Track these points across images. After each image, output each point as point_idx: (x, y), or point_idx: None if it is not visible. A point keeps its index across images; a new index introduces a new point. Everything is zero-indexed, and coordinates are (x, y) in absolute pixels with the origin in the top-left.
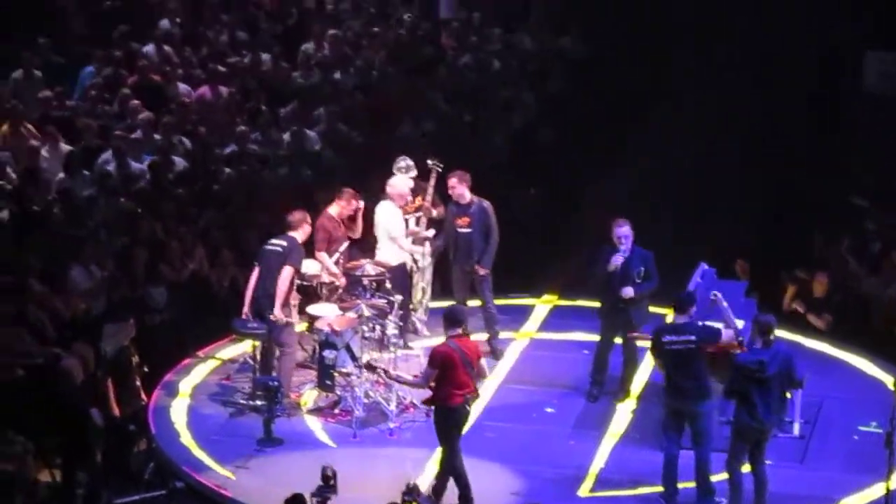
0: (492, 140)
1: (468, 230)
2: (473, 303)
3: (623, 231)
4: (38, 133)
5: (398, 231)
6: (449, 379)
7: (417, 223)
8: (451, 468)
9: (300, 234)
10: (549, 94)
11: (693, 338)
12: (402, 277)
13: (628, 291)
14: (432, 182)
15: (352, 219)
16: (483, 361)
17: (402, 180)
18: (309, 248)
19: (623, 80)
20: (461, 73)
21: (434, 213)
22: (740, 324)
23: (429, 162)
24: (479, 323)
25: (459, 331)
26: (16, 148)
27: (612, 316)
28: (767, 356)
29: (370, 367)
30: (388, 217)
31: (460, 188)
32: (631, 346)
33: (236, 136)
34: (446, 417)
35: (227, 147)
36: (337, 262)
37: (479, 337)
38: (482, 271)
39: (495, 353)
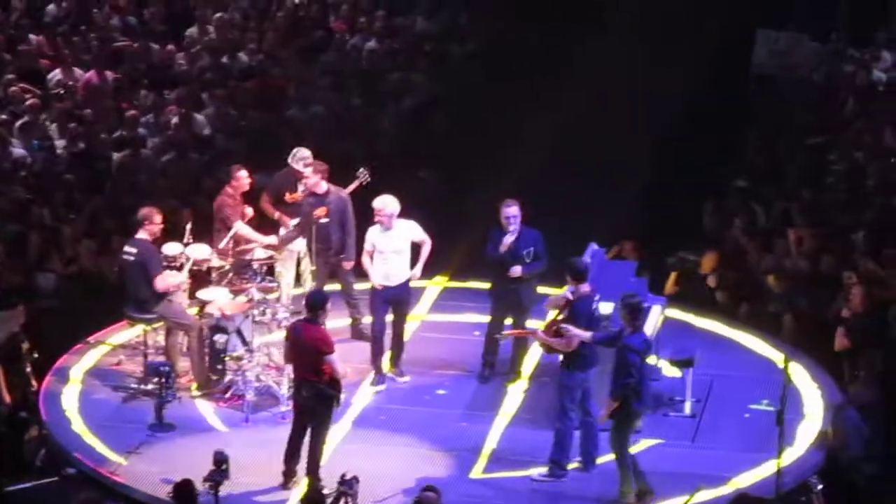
0: (381, 123)
1: (326, 220)
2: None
3: (511, 211)
4: None
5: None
6: None
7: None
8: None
9: (147, 233)
10: (441, 75)
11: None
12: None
13: (516, 270)
14: (352, 187)
15: (246, 195)
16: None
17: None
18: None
19: (515, 59)
20: (350, 55)
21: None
22: None
23: (360, 170)
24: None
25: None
26: None
27: (502, 296)
28: (646, 336)
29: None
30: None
31: (315, 178)
32: (521, 327)
33: (125, 121)
34: None
35: (116, 132)
36: (227, 246)
37: (344, 322)
38: (349, 265)
39: (363, 337)
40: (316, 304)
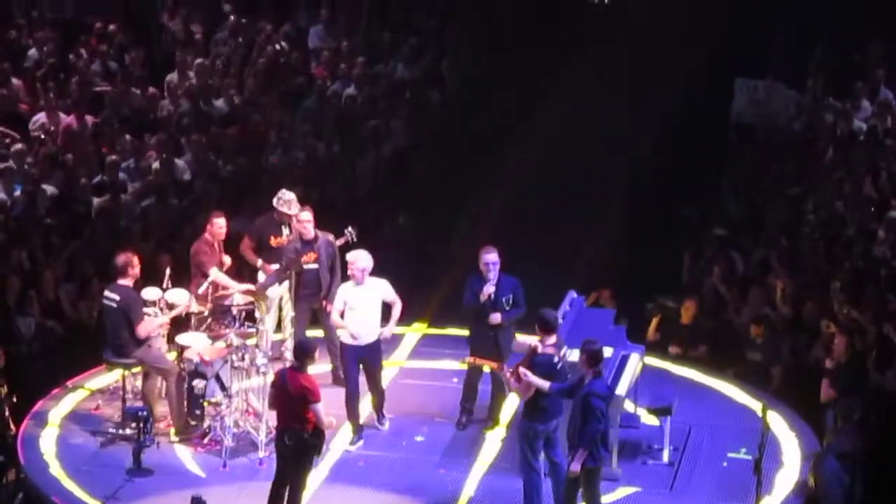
0: (360, 169)
1: (314, 266)
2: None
3: (491, 258)
4: None
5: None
6: None
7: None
8: None
9: (129, 280)
10: (421, 122)
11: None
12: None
13: (496, 318)
14: (338, 243)
15: (225, 242)
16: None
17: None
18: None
19: (493, 106)
20: (331, 101)
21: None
22: (609, 351)
23: (347, 229)
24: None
25: None
26: None
27: (480, 343)
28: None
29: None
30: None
31: (310, 222)
32: (499, 375)
33: (106, 165)
34: None
35: (96, 177)
36: (206, 291)
37: (325, 367)
38: (330, 308)
39: (343, 383)
40: (304, 352)
